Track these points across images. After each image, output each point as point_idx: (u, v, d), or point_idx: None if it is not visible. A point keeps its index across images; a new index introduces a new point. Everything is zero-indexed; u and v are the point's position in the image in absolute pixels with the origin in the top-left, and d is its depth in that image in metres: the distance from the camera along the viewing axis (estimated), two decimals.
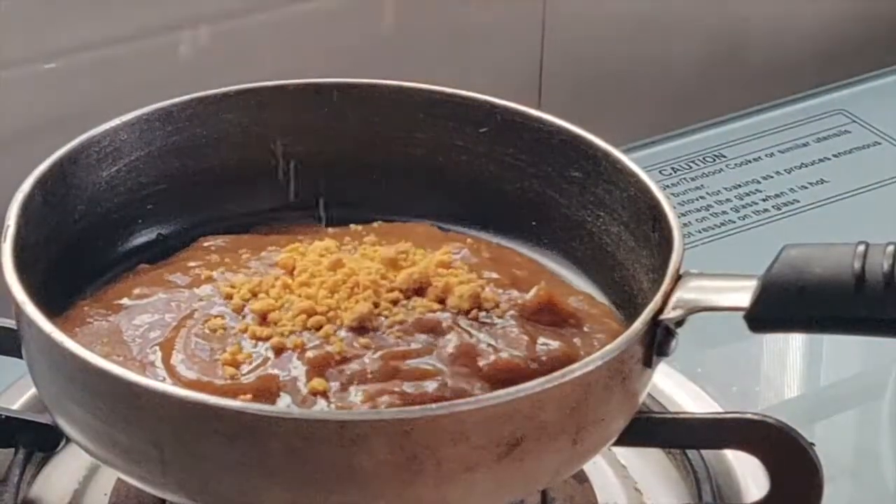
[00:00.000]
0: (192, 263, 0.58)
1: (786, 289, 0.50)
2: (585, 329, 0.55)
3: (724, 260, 0.77)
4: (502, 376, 0.51)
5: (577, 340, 0.54)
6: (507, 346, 0.53)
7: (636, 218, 0.58)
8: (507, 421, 0.47)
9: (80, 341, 0.51)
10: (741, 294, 0.51)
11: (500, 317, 0.54)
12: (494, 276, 0.57)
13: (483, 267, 0.57)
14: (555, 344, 0.53)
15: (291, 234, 0.60)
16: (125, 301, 0.56)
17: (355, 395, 0.50)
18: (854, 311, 0.50)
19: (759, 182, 0.86)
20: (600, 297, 0.59)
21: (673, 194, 0.84)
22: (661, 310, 0.51)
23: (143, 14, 0.76)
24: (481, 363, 0.52)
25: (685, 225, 0.81)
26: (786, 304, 0.50)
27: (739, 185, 0.85)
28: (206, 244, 0.59)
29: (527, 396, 0.48)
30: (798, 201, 0.84)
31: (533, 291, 0.55)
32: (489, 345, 0.53)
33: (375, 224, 0.61)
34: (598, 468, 0.61)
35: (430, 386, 0.50)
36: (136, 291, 0.56)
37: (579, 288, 0.59)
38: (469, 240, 0.60)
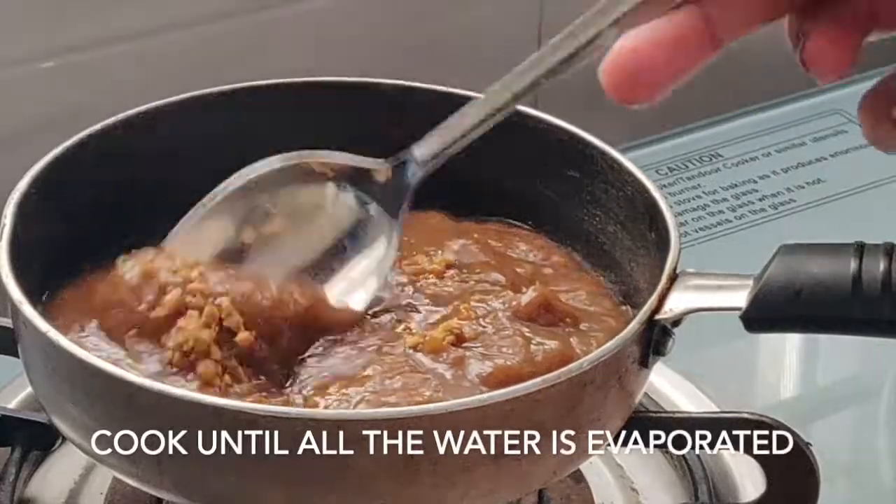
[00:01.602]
0: None
1: (782, 289, 0.50)
2: (583, 328, 0.55)
3: (720, 259, 0.77)
4: (498, 381, 0.51)
5: (574, 340, 0.54)
6: (501, 352, 0.53)
7: (633, 217, 0.58)
8: (504, 421, 0.47)
9: (75, 341, 0.51)
10: (738, 294, 0.51)
11: (494, 320, 0.54)
12: (493, 276, 0.57)
13: (484, 268, 0.57)
14: (551, 344, 0.53)
15: None
16: None
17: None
18: (850, 312, 0.50)
19: (755, 182, 0.86)
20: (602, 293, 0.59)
21: (670, 194, 0.84)
22: (657, 310, 0.51)
23: (139, 13, 0.76)
24: (477, 371, 0.52)
25: (682, 224, 0.81)
26: (782, 305, 0.50)
27: (736, 185, 0.85)
28: None
29: (523, 397, 0.48)
30: (794, 201, 0.84)
31: (528, 293, 0.55)
32: (483, 354, 0.53)
33: None
34: (594, 468, 0.61)
35: (426, 393, 0.50)
36: None
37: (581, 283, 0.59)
38: (476, 234, 0.60)
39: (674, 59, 0.43)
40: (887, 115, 0.46)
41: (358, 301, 0.54)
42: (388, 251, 0.55)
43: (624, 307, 0.58)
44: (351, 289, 0.54)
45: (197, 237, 0.54)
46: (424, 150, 0.53)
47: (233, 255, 0.55)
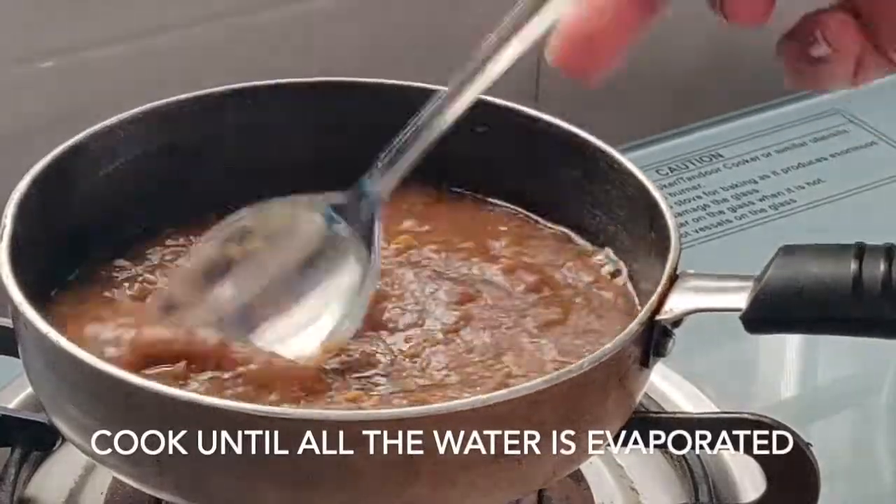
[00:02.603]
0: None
1: (782, 290, 0.50)
2: (577, 301, 0.56)
3: (720, 260, 0.77)
4: None
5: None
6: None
7: (633, 217, 0.58)
8: (504, 421, 0.47)
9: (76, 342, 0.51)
10: (738, 295, 0.51)
11: None
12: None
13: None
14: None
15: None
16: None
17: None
18: (850, 313, 0.50)
19: (756, 182, 0.86)
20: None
21: (670, 194, 0.84)
22: (657, 310, 0.51)
23: (139, 13, 0.76)
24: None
25: (682, 225, 0.81)
26: (782, 306, 0.50)
27: (736, 185, 0.85)
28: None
29: (524, 397, 0.48)
30: (795, 201, 0.84)
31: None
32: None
33: None
34: (594, 468, 0.61)
35: None
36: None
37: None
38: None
39: (621, 23, 0.44)
40: (806, 54, 0.48)
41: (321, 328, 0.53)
42: (361, 277, 0.54)
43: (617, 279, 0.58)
44: (315, 317, 0.54)
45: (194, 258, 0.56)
46: (378, 178, 0.54)
47: (220, 270, 0.54)
